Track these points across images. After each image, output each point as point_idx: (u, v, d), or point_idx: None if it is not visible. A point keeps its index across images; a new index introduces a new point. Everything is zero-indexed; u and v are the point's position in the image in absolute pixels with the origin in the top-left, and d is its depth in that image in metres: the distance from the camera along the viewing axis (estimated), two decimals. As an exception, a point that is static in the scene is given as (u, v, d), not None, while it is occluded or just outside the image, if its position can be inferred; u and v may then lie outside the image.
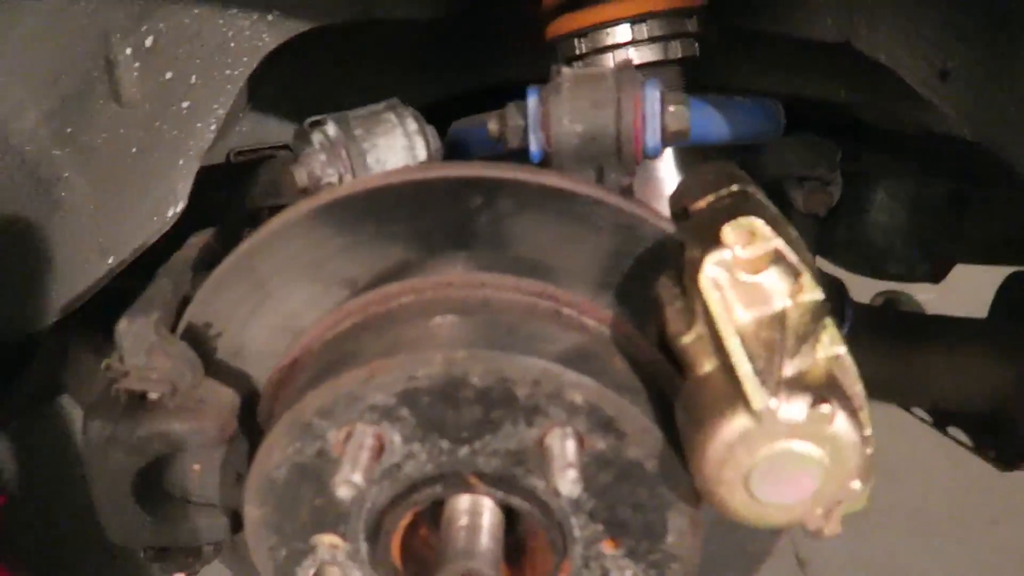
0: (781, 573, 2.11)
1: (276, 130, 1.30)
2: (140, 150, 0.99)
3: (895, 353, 1.49)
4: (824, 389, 0.56)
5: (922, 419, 1.69)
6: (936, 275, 1.72)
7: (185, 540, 0.72)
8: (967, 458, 2.03)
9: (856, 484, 0.57)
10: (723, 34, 1.14)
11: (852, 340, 1.54)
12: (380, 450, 0.60)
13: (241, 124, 1.22)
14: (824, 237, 1.71)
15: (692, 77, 1.00)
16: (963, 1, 0.80)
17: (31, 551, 1.71)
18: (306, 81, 1.24)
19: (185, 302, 0.71)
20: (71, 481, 1.92)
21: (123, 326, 0.65)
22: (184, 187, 1.01)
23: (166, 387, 0.65)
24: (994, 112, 0.86)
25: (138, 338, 0.65)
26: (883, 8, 0.86)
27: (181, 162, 1.00)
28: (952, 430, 1.67)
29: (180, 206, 1.02)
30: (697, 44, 0.93)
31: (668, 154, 0.90)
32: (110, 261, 1.06)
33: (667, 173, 0.90)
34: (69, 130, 0.99)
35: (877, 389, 1.60)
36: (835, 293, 1.17)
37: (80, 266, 1.07)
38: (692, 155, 0.93)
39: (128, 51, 0.94)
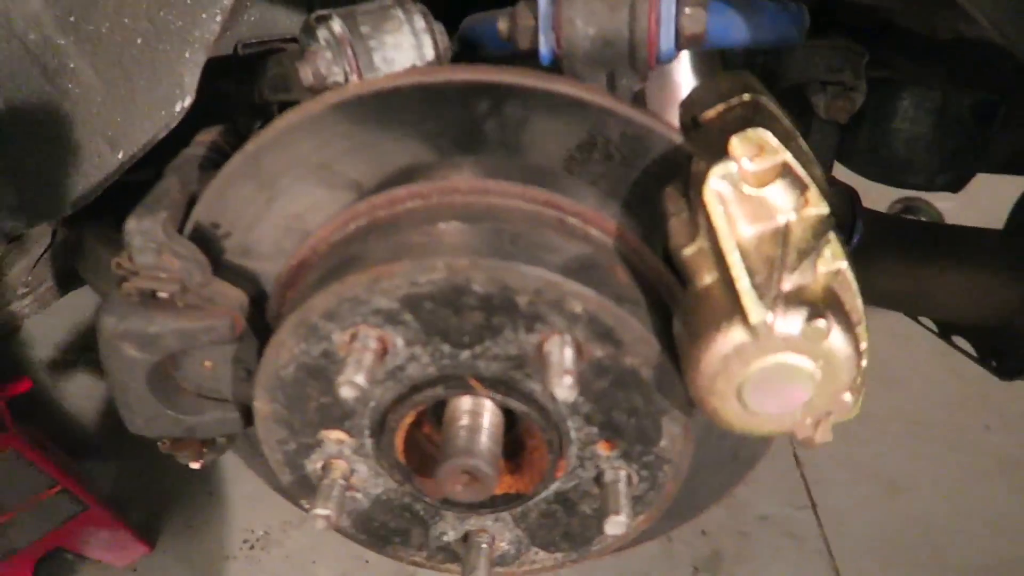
0: (778, 470, 2.18)
1: (284, 20, 1.26)
2: (146, 41, 0.97)
3: (906, 263, 1.49)
4: (822, 304, 0.56)
5: (928, 328, 1.70)
6: (956, 185, 1.69)
7: (200, 432, 0.75)
8: (963, 367, 2.05)
9: (847, 397, 0.58)
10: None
11: (863, 250, 1.53)
12: (384, 352, 0.62)
13: (249, 13, 1.19)
14: (845, 144, 1.68)
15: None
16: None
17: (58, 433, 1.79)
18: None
19: (192, 200, 0.71)
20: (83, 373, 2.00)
21: (131, 225, 0.66)
22: (191, 80, 0.99)
23: (175, 286, 0.67)
24: (1025, 18, 0.82)
25: (147, 237, 0.66)
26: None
27: (187, 54, 0.98)
28: (956, 340, 1.68)
29: (188, 100, 1.00)
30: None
31: (684, 58, 0.87)
32: (120, 155, 1.06)
33: (683, 78, 0.87)
34: (72, 18, 0.97)
35: (885, 298, 1.62)
36: (847, 204, 1.16)
37: (91, 159, 1.06)
38: (710, 59, 0.90)
39: (129, -69, 0.91)
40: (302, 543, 1.90)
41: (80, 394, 1.93)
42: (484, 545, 0.74)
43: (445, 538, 0.75)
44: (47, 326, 1.79)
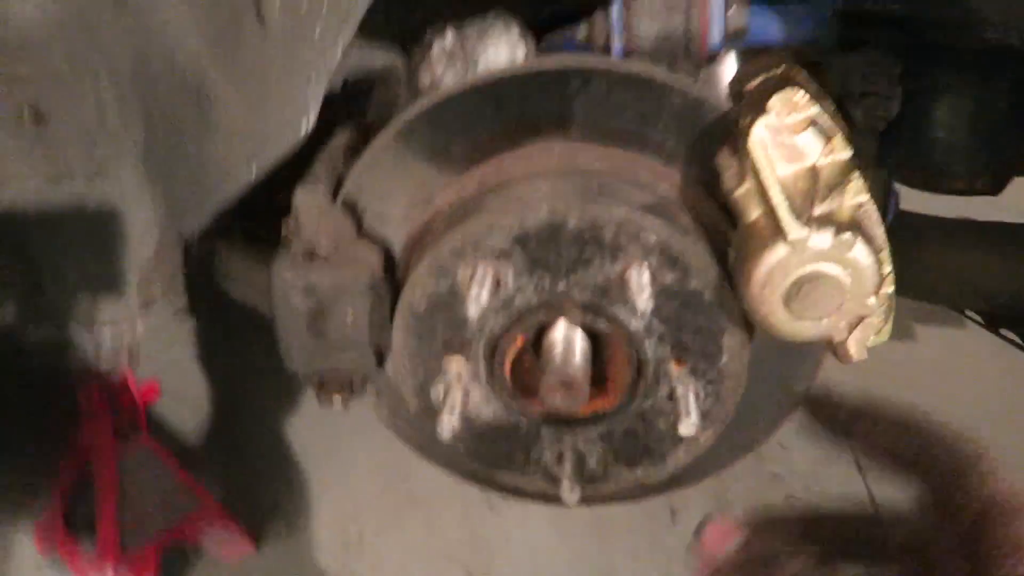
0: (839, 475, 2.24)
1: (379, 58, 1.47)
2: (281, 71, 1.17)
3: (948, 257, 1.59)
4: (848, 226, 0.71)
5: (975, 321, 1.79)
6: (996, 188, 1.79)
7: (343, 368, 0.91)
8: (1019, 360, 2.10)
9: (872, 300, 0.72)
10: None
11: (904, 247, 1.65)
12: (498, 284, 0.78)
13: (351, 55, 1.40)
14: (885, 154, 1.80)
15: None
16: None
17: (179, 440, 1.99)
18: (405, 10, 1.40)
19: (339, 180, 0.89)
20: (211, 378, 2.22)
21: (299, 196, 0.84)
22: (315, 105, 1.19)
23: (331, 245, 0.85)
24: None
25: (310, 204, 0.84)
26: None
27: (313, 82, 1.18)
28: (1004, 332, 1.76)
29: (311, 122, 1.20)
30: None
31: (731, 56, 1.04)
32: (253, 170, 1.26)
33: (728, 73, 1.04)
34: (224, 54, 1.18)
35: (930, 293, 1.72)
36: (881, 187, 1.29)
37: (231, 174, 1.27)
38: (749, 56, 1.06)
39: (271, -16, 1.12)
40: (397, 546, 2.04)
41: (190, 409, 2.15)
42: (576, 462, 0.88)
43: (543, 459, 0.90)
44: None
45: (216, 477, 1.99)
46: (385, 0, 1.14)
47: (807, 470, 2.25)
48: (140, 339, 1.53)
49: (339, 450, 2.16)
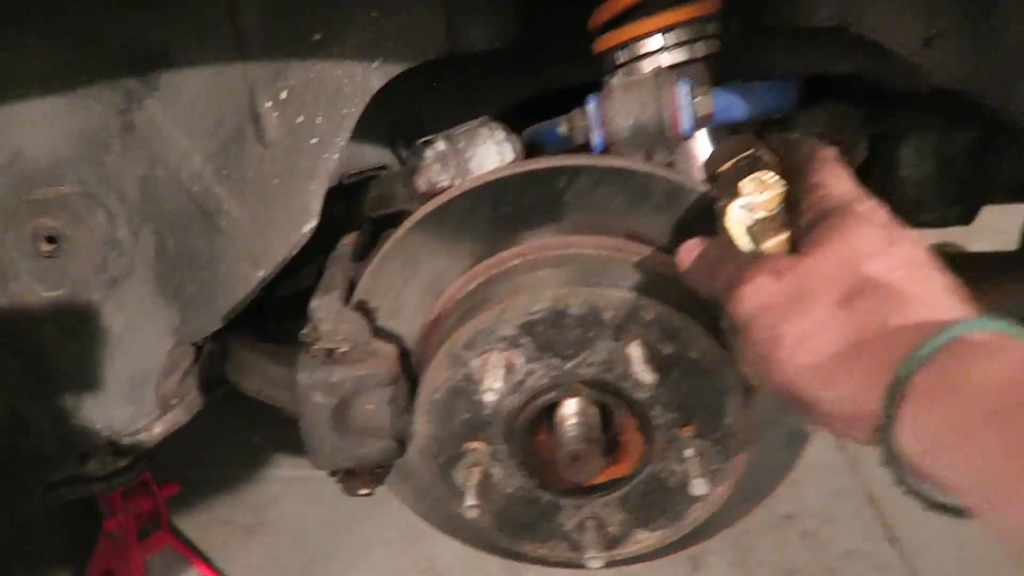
0: (854, 508, 2.27)
1: (370, 154, 1.55)
2: (281, 180, 1.24)
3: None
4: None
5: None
6: (967, 218, 1.88)
7: (367, 461, 0.96)
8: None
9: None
10: (746, 29, 1.35)
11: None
12: (510, 369, 0.84)
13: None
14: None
15: (720, 67, 1.20)
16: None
17: (199, 532, 2.01)
18: (393, 106, 1.48)
19: (351, 284, 0.95)
20: (227, 467, 2.25)
21: (315, 303, 0.90)
22: (316, 206, 1.26)
23: (348, 344, 0.90)
24: (976, 67, 1.05)
25: (326, 311, 0.90)
26: (868, -5, 1.04)
27: (313, 186, 1.25)
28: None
29: (314, 222, 1.26)
30: (719, 41, 1.14)
31: (703, 134, 1.11)
32: (261, 273, 1.32)
33: (704, 148, 1.11)
34: (226, 170, 1.25)
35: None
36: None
37: (238, 279, 1.33)
38: (723, 132, 1.14)
39: (269, 103, 1.19)
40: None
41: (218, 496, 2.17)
42: (596, 529, 0.92)
43: (565, 527, 0.94)
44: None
45: (239, 562, 2.01)
46: (375, 98, 1.23)
47: (819, 506, 2.28)
48: (158, 440, 1.57)
49: (360, 527, 2.18)
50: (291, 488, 2.28)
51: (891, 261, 0.64)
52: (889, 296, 0.62)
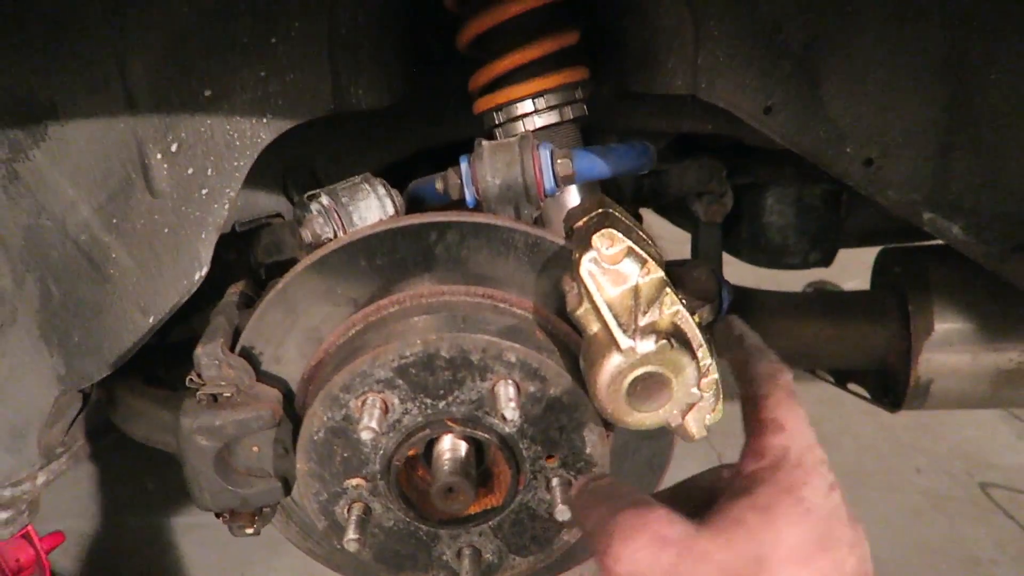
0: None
1: (264, 201, 1.59)
2: (171, 230, 1.27)
3: (791, 327, 1.82)
4: (668, 332, 0.87)
5: (827, 380, 2.02)
6: (826, 260, 2.07)
7: (252, 502, 1.00)
8: (891, 422, 2.37)
9: (695, 390, 0.88)
10: (616, 94, 1.47)
11: (755, 320, 1.85)
12: (386, 410, 0.90)
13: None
14: (730, 240, 2.05)
15: (588, 128, 1.31)
16: (775, 56, 1.12)
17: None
18: (285, 154, 1.53)
19: (236, 331, 1.00)
20: (117, 515, 2.18)
21: (199, 350, 0.94)
22: (207, 254, 1.29)
23: (232, 389, 0.94)
24: (807, 132, 1.19)
25: (210, 357, 0.94)
26: (717, 68, 1.17)
27: (203, 235, 1.28)
28: (851, 386, 1.99)
29: (204, 270, 1.29)
30: (585, 106, 1.25)
31: (573, 188, 1.22)
32: (151, 320, 1.33)
33: (573, 201, 1.22)
34: (114, 220, 1.26)
35: (784, 359, 1.93)
36: (714, 279, 1.49)
37: (127, 326, 1.33)
38: (591, 186, 1.25)
39: (159, 155, 1.22)
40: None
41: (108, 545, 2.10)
42: (473, 557, 0.99)
43: (444, 557, 1.00)
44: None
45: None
46: (268, 149, 1.28)
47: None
48: (41, 491, 1.54)
49: (255, 571, 2.15)
50: (184, 535, 2.24)
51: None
52: None
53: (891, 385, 1.82)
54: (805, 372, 2.15)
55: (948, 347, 1.65)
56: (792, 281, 2.10)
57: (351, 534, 0.91)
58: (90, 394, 1.54)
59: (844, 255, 2.03)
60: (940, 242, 1.21)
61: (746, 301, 1.79)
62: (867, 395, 1.96)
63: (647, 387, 0.86)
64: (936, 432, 2.77)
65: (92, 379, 1.39)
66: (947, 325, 1.64)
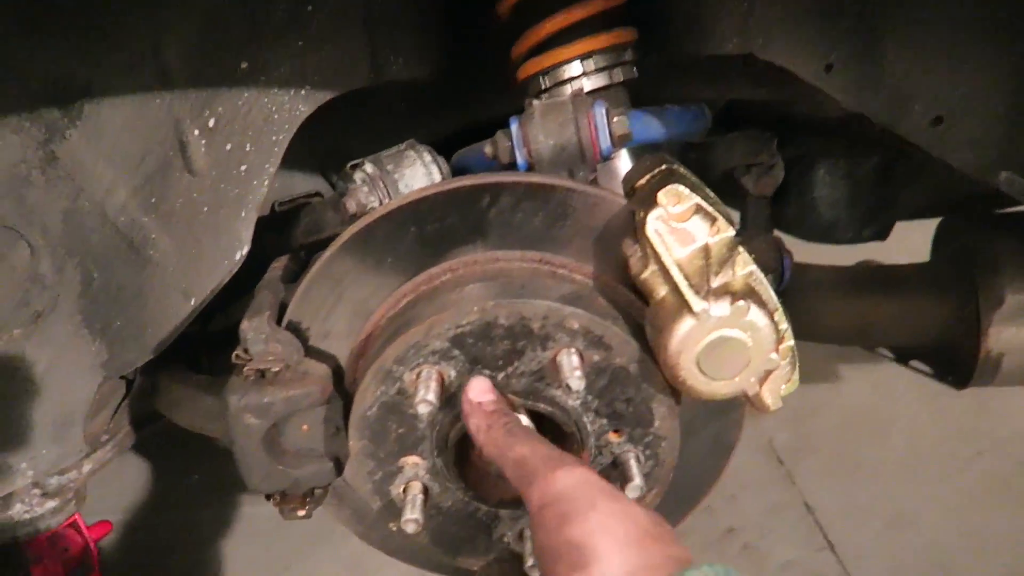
0: (791, 520, 2.33)
1: (302, 182, 1.55)
2: (210, 209, 1.24)
3: (846, 302, 1.74)
4: (742, 294, 0.81)
5: (887, 356, 1.94)
6: (882, 234, 1.98)
7: (302, 483, 0.96)
8: (949, 405, 2.27)
9: (774, 356, 0.82)
10: (664, 59, 1.41)
11: (808, 297, 1.78)
12: (441, 383, 0.85)
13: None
14: (780, 216, 1.97)
15: (638, 93, 1.25)
16: (834, 13, 1.06)
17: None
18: (324, 138, 1.50)
19: (282, 306, 0.96)
20: (164, 508, 2.18)
21: (245, 325, 0.90)
22: (247, 234, 1.25)
23: (280, 365, 0.90)
24: (871, 91, 1.13)
25: (256, 332, 0.90)
26: (773, 25, 1.11)
27: (243, 214, 1.25)
28: (914, 363, 1.91)
29: (245, 249, 1.26)
30: (635, 68, 1.19)
31: (624, 153, 1.16)
32: (192, 302, 1.31)
33: (625, 167, 1.16)
34: (153, 200, 1.24)
35: (837, 336, 1.86)
36: (775, 251, 1.42)
37: (168, 310, 1.31)
38: (643, 151, 1.19)
39: (196, 132, 1.19)
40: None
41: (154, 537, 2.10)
42: (535, 539, 0.94)
43: (505, 539, 0.95)
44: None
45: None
46: (305, 129, 1.24)
47: (759, 519, 2.33)
48: (87, 479, 1.52)
49: (303, 563, 2.13)
50: (231, 527, 2.22)
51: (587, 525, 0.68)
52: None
53: (957, 362, 1.74)
54: (863, 351, 2.07)
55: (1020, 320, 1.56)
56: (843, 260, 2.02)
57: (408, 514, 0.87)
58: (133, 381, 1.52)
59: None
60: (1001, 212, 1.14)
61: (800, 276, 1.72)
62: (930, 372, 1.88)
63: (721, 353, 0.81)
64: (997, 415, 2.65)
65: (134, 365, 1.37)
66: (1019, 296, 1.55)
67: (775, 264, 1.39)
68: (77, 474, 1.45)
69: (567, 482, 0.72)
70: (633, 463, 0.88)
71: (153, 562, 2.06)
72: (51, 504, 1.44)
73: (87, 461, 1.48)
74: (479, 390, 0.82)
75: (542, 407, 0.86)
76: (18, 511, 1.43)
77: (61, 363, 1.34)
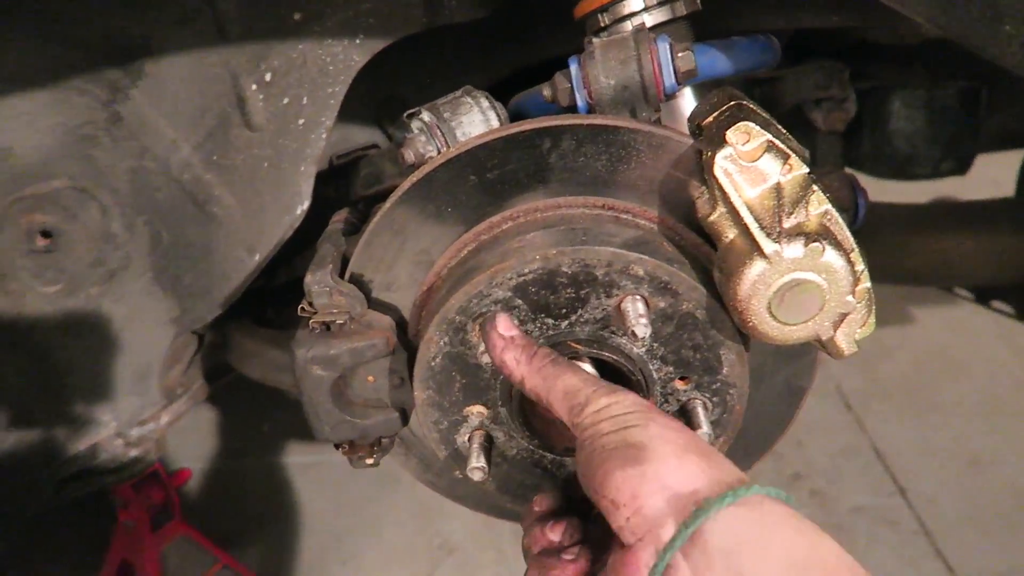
0: (861, 465, 2.29)
1: (359, 135, 1.55)
2: (271, 164, 1.25)
3: (924, 240, 1.67)
4: (816, 234, 0.77)
5: (966, 297, 1.86)
6: (961, 168, 1.88)
7: (370, 433, 0.97)
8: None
9: (850, 298, 0.78)
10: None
11: (884, 236, 1.71)
12: (505, 332, 0.84)
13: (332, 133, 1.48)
14: (852, 151, 1.88)
15: (701, 26, 1.19)
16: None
17: (212, 520, 2.03)
18: (378, 87, 1.48)
19: (344, 259, 0.96)
20: (239, 455, 2.27)
21: (309, 279, 0.90)
22: (307, 188, 1.26)
23: (345, 317, 0.91)
24: (956, 9, 1.05)
25: (320, 285, 0.90)
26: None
27: (302, 168, 1.25)
28: (995, 304, 1.83)
29: (306, 204, 1.27)
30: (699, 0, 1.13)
31: (687, 92, 1.11)
32: (257, 258, 1.33)
33: (689, 106, 1.11)
34: (215, 157, 1.25)
35: (915, 276, 1.79)
36: (848, 188, 1.36)
37: (234, 265, 1.33)
38: (707, 89, 1.14)
39: (253, 86, 1.19)
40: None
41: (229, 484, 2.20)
42: (602, 486, 0.93)
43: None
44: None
45: (253, 548, 2.03)
46: (360, 81, 1.23)
47: (827, 464, 2.29)
48: (166, 430, 1.58)
49: (371, 508, 2.20)
50: (301, 474, 2.30)
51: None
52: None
53: (1042, 302, 1.65)
54: (937, 291, 1.99)
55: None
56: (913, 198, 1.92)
57: (474, 462, 0.87)
58: (204, 336, 1.56)
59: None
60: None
61: (875, 215, 1.65)
62: (1013, 313, 1.79)
63: (794, 296, 0.77)
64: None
65: (205, 320, 1.40)
66: (1112, 231, 1.46)
67: (849, 203, 1.33)
68: (156, 425, 1.51)
69: (625, 403, 0.71)
70: (700, 411, 0.87)
71: (230, 507, 2.15)
72: (134, 453, 1.51)
73: (165, 412, 1.54)
74: (507, 324, 0.80)
75: (606, 355, 0.84)
76: (104, 460, 1.50)
77: (136, 319, 1.39)
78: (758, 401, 0.97)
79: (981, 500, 2.15)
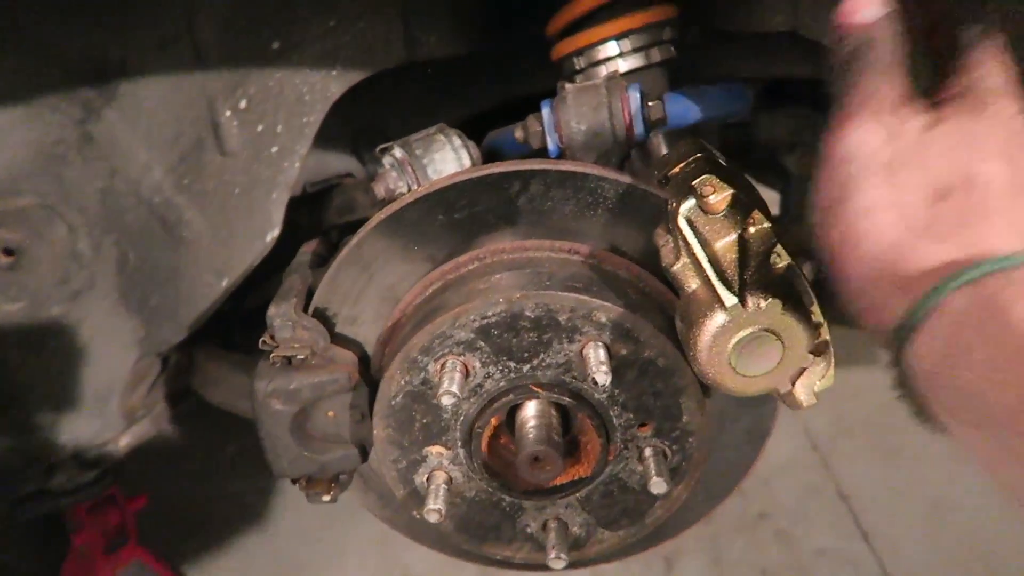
0: (825, 507, 2.29)
1: (335, 162, 1.55)
2: (242, 190, 1.24)
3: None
4: (777, 289, 0.78)
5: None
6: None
7: (329, 468, 0.96)
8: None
9: (809, 353, 0.79)
10: (704, 34, 1.36)
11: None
12: (467, 373, 0.84)
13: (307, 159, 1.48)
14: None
15: (675, 73, 1.21)
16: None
17: (171, 545, 1.99)
18: (356, 114, 1.48)
19: (309, 291, 0.95)
20: (199, 479, 2.23)
21: (272, 311, 0.90)
22: (279, 215, 1.26)
23: (307, 351, 0.90)
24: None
25: (283, 319, 0.90)
26: (821, 3, 1.06)
27: (274, 195, 1.25)
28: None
29: (277, 231, 1.26)
30: (673, 47, 1.15)
31: (659, 140, 1.13)
32: (224, 283, 1.31)
33: (661, 150, 1.13)
34: (186, 181, 1.24)
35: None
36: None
37: (202, 290, 1.32)
38: (680, 133, 1.15)
39: (228, 112, 1.19)
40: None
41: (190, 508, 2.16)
42: (559, 530, 0.93)
43: (528, 529, 0.94)
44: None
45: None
46: (338, 109, 1.23)
47: (792, 504, 2.30)
48: (125, 452, 1.55)
49: (334, 536, 2.17)
50: (263, 499, 2.26)
51: (1005, 169, 0.60)
52: (982, 204, 0.59)
53: None
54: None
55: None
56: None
57: (431, 504, 0.87)
58: (168, 358, 1.54)
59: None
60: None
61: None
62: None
63: (753, 349, 0.78)
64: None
65: (170, 343, 1.39)
66: None
67: (816, 250, 1.35)
68: (115, 447, 1.48)
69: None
70: (659, 457, 0.87)
71: (189, 532, 2.11)
72: (90, 475, 1.48)
73: (125, 435, 1.51)
74: None
75: (567, 400, 0.84)
76: (59, 481, 1.47)
77: (99, 339, 1.37)
78: (721, 445, 0.98)
79: (941, 545, 2.16)
